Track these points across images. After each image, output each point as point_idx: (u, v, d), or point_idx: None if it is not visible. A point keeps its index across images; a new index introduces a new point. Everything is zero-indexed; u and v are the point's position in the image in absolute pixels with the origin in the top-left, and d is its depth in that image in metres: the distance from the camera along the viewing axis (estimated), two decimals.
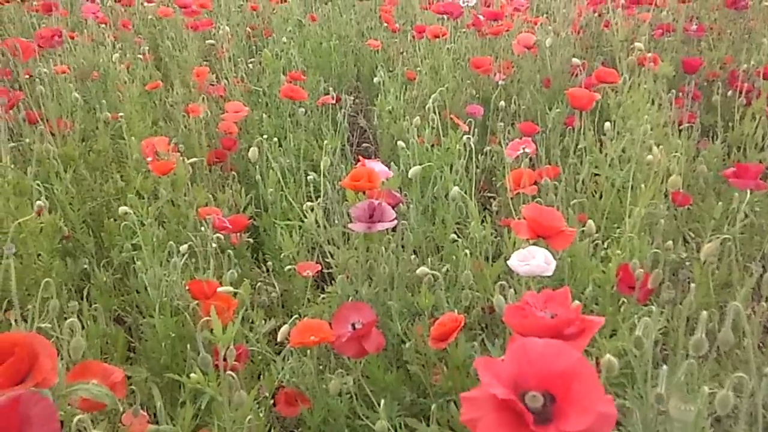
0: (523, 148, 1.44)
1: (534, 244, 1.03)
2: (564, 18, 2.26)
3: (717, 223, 1.50)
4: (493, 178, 2.04)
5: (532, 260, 0.93)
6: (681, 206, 1.51)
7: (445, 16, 2.37)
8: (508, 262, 0.96)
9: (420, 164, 1.78)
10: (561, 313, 0.68)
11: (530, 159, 1.87)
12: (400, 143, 1.58)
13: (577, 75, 2.10)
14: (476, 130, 2.08)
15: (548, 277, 0.95)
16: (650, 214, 1.52)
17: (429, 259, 1.51)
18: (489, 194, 2.03)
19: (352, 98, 3.18)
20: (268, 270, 1.75)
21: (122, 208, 1.23)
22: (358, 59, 3.41)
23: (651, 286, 1.05)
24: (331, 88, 3.01)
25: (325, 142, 1.58)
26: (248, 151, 1.85)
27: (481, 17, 2.35)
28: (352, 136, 3.09)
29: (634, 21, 2.65)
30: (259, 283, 1.63)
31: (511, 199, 1.50)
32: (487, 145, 2.09)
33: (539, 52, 2.09)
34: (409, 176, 1.36)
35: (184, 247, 1.28)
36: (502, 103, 1.90)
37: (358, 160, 1.77)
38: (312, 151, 2.19)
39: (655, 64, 2.06)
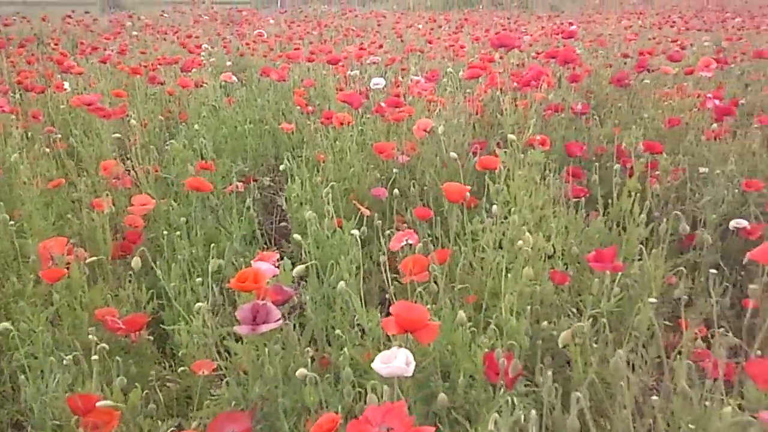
0: (406, 240, 1.51)
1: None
2: (454, 107, 2.41)
3: (595, 299, 1.60)
4: (397, 258, 2.11)
5: (393, 361, 0.98)
6: (560, 284, 1.60)
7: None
8: (372, 364, 1.01)
9: (321, 251, 1.85)
10: (396, 427, 0.73)
11: (430, 241, 1.97)
12: (296, 236, 1.64)
13: (473, 155, 2.23)
14: (383, 211, 2.17)
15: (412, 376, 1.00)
16: (536, 293, 1.61)
17: (327, 348, 1.56)
18: (394, 275, 2.09)
19: (269, 179, 3.25)
20: (171, 366, 1.75)
21: (2, 325, 1.22)
22: (276, 139, 3.49)
23: (511, 375, 1.11)
24: (247, 170, 3.08)
25: (226, 244, 1.60)
26: (158, 240, 1.87)
27: (383, 104, 2.47)
28: (272, 215, 3.14)
29: (531, 98, 2.84)
30: (159, 380, 1.62)
31: (410, 282, 1.57)
32: (393, 226, 2.17)
33: (435, 137, 2.21)
34: (294, 274, 1.40)
35: (68, 359, 1.27)
36: (396, 191, 1.99)
37: (266, 247, 1.81)
38: (220, 239, 2.22)
39: (543, 145, 2.22)
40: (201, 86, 3.48)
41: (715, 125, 2.33)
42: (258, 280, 1.29)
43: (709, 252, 2.14)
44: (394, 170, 2.11)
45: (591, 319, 1.48)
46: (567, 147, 2.13)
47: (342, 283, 1.35)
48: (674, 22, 9.90)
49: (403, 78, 4.04)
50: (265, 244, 2.50)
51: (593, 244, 1.87)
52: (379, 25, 9.79)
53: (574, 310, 1.67)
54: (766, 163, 2.36)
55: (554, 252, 1.71)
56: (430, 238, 1.89)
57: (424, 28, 9.32)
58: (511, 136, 1.82)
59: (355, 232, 1.49)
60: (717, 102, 2.43)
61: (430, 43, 5.41)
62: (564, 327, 1.61)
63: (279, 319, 1.25)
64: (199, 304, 1.34)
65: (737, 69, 4.34)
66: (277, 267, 1.51)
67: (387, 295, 1.87)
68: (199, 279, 1.63)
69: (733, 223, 2.09)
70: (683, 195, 2.37)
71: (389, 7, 22.26)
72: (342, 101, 2.43)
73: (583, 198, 2.11)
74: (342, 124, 2.40)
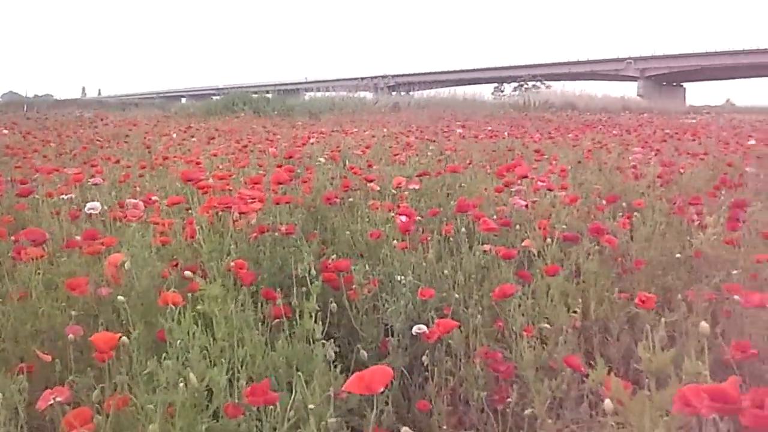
0: (54, 398, 1.45)
1: None
2: (143, 236, 2.40)
3: (271, 425, 1.67)
4: None
5: None
6: (234, 417, 1.65)
7: None
8: None
9: None
10: None
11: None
12: None
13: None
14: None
15: None
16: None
17: None
18: None
19: None
20: None
21: None
22: None
23: None
24: None
25: None
26: None
27: (77, 238, 2.39)
28: None
29: (245, 220, 2.95)
30: None
31: None
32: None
33: (126, 274, 2.18)
34: None
35: None
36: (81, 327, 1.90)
37: None
38: None
39: (241, 269, 2.31)
40: None
41: (395, 242, 2.63)
42: None
43: (399, 356, 2.36)
44: (73, 313, 2.02)
45: None
46: (242, 276, 2.20)
47: None
48: (411, 132, 11.11)
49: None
50: None
51: (279, 367, 1.96)
52: (128, 134, 9.52)
53: None
54: (441, 271, 2.70)
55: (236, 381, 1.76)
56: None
57: (177, 137, 9.28)
58: (188, 273, 1.87)
59: None
60: (403, 218, 2.76)
61: (166, 159, 5.40)
62: None
63: None
64: None
65: (445, 179, 4.98)
66: None
67: None
68: None
69: (414, 329, 2.33)
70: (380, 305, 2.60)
71: (149, 114, 21.89)
72: (21, 238, 2.29)
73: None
74: (32, 259, 2.26)
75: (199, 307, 1.80)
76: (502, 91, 42.44)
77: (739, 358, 1.76)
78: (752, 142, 8.06)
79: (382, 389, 1.15)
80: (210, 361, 1.74)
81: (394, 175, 5.25)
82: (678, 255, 2.83)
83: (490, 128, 12.14)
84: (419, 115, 19.82)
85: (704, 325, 1.31)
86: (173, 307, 1.66)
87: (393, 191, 3.93)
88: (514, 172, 3.09)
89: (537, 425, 1.96)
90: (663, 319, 1.72)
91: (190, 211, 3.26)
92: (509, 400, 1.99)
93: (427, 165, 5.99)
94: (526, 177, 3.02)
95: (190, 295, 1.89)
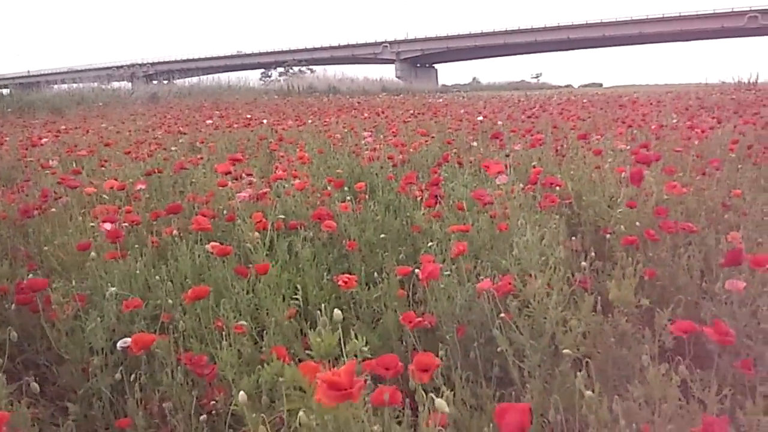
0: None
1: None
2: None
3: None
4: None
5: None
6: None
7: None
8: None
9: None
10: None
11: None
12: None
13: None
14: None
15: None
16: None
17: None
18: None
19: None
20: None
21: None
22: None
23: None
24: None
25: None
26: None
27: None
28: None
29: None
30: None
31: None
32: None
33: None
34: None
35: None
36: None
37: None
38: None
39: None
40: None
41: (93, 253, 2.44)
42: None
43: (104, 376, 2.20)
44: None
45: None
46: None
47: None
48: (164, 124, 10.55)
49: None
50: None
51: None
52: None
53: None
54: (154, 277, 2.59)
55: None
56: None
57: None
58: None
59: None
60: (108, 226, 2.57)
61: None
62: None
63: None
64: None
65: (183, 175, 4.79)
66: None
67: None
68: None
69: (120, 344, 2.19)
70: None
71: None
72: None
73: None
74: None
75: None
76: (270, 77, 42.24)
77: (411, 327, 1.94)
78: (480, 118, 8.97)
79: None
80: None
81: (129, 175, 4.96)
82: (383, 235, 3.03)
83: (249, 116, 11.97)
84: (179, 105, 18.93)
85: (337, 313, 1.39)
86: None
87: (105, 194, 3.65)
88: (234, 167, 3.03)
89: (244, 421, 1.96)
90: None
91: None
92: (213, 402, 1.96)
93: (168, 162, 5.73)
94: (229, 173, 2.99)
95: None
